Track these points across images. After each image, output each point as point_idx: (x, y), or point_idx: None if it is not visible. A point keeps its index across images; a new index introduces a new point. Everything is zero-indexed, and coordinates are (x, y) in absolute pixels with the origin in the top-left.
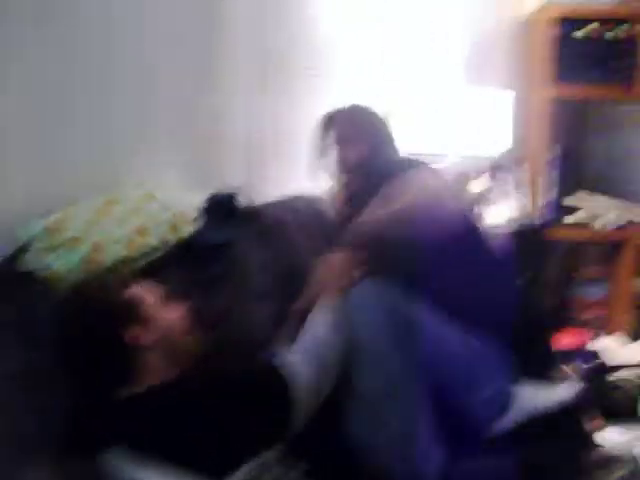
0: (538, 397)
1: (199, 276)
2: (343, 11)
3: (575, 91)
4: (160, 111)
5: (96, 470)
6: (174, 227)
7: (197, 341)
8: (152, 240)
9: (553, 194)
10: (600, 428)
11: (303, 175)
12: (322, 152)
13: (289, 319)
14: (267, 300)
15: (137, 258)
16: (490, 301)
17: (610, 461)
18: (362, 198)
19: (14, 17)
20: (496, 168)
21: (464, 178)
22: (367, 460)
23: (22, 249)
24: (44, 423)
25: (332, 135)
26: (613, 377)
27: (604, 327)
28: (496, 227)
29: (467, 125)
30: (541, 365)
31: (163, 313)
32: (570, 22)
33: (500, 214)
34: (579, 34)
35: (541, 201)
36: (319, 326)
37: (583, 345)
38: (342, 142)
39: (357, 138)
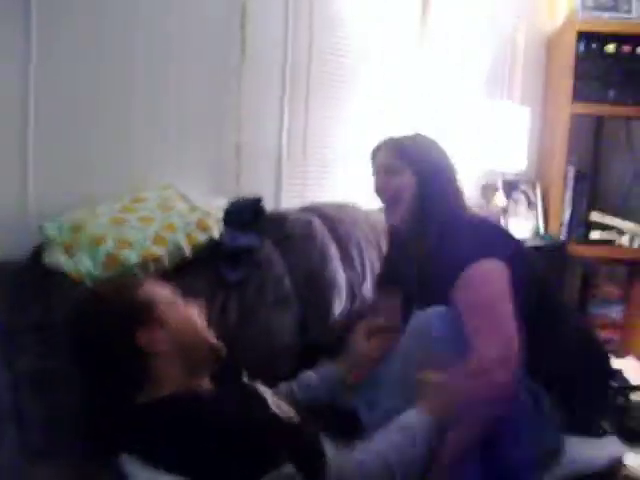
0: (587, 452)
1: (223, 278)
2: (368, 17)
3: (597, 108)
4: (186, 114)
5: (109, 474)
6: (202, 226)
7: (215, 348)
8: (180, 238)
9: (569, 212)
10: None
11: (331, 183)
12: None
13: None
14: (289, 307)
15: (164, 256)
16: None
17: None
18: (402, 234)
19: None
20: (512, 184)
21: (491, 191)
22: None
23: (44, 247)
24: (59, 424)
25: (376, 162)
26: (634, 398)
27: (622, 347)
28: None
29: (485, 140)
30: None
31: (179, 317)
32: (596, 38)
33: (517, 230)
34: (609, 49)
35: (557, 218)
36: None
37: None
38: (385, 168)
39: (404, 166)
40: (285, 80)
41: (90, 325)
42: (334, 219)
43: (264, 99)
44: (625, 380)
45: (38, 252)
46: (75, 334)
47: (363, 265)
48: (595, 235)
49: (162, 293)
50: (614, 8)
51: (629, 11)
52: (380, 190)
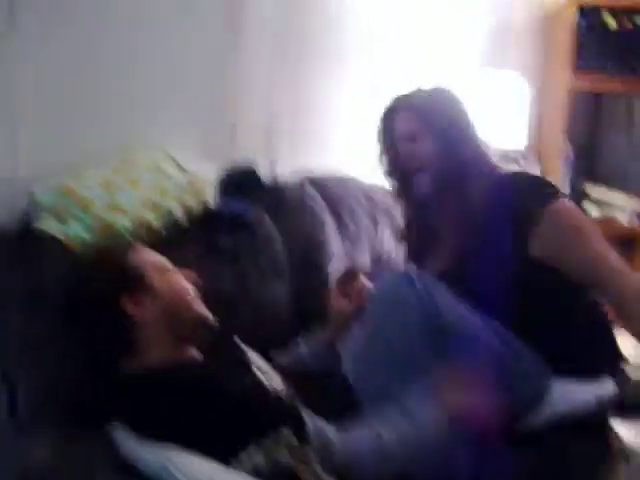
0: (575, 392)
1: (217, 246)
2: None
3: (597, 82)
4: (179, 80)
5: (98, 441)
6: (194, 190)
7: (205, 318)
8: (172, 204)
9: (566, 188)
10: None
11: (324, 151)
12: (385, 149)
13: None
14: (283, 275)
15: (157, 221)
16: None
17: (629, 453)
18: (434, 203)
19: None
20: (511, 159)
21: None
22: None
23: (34, 213)
24: (48, 391)
25: (395, 128)
26: (631, 373)
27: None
28: None
29: (482, 112)
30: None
31: (168, 285)
32: (596, 10)
33: None
34: (610, 22)
35: None
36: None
37: None
38: (407, 136)
39: (424, 131)
40: (279, 47)
41: (77, 290)
42: (329, 189)
43: (258, 66)
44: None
45: (28, 218)
46: (63, 299)
47: (359, 235)
48: (593, 211)
49: (152, 260)
50: None
51: None
52: (404, 159)
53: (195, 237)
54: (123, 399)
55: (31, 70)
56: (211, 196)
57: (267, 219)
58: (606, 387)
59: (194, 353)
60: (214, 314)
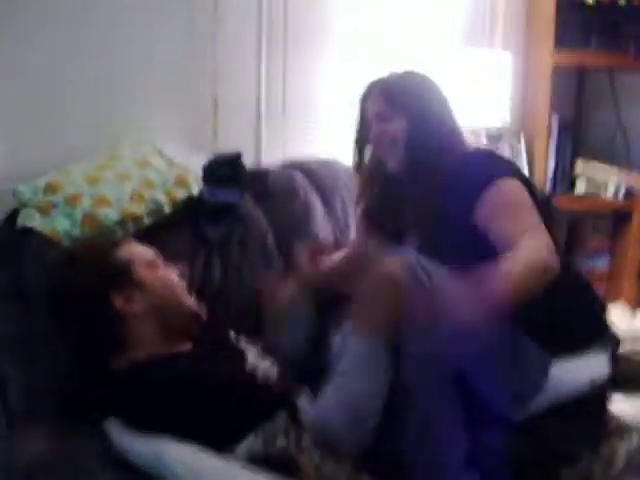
0: (571, 374)
1: (205, 236)
2: None
3: (580, 57)
4: (161, 72)
5: (92, 438)
6: (181, 182)
7: (195, 312)
8: (159, 194)
9: (553, 163)
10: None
11: (308, 138)
12: (361, 129)
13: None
14: (272, 262)
15: (144, 214)
16: None
17: (624, 430)
18: (404, 181)
19: None
20: (495, 137)
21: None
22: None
23: (21, 210)
24: (39, 389)
25: (368, 110)
26: (622, 347)
27: (609, 298)
28: None
29: (465, 90)
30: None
31: (157, 279)
32: None
33: None
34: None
35: (542, 171)
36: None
37: None
38: (378, 116)
39: (395, 111)
40: (261, 32)
41: (66, 286)
42: (316, 174)
43: (240, 52)
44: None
45: (13, 215)
46: (51, 296)
47: (347, 219)
48: (580, 187)
49: (141, 254)
50: None
51: None
52: (375, 137)
53: (183, 228)
54: (116, 394)
55: (14, 69)
56: (198, 187)
57: (254, 206)
58: (600, 366)
59: (186, 345)
60: (205, 304)
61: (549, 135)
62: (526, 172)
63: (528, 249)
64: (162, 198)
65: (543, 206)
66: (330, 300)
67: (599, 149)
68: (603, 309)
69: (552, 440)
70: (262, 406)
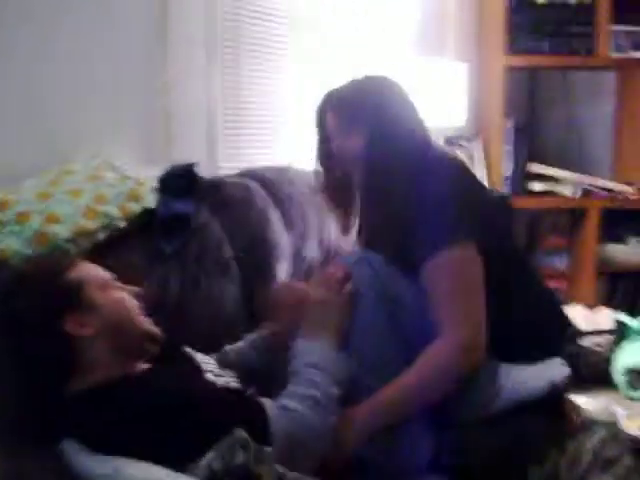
0: (530, 377)
1: (161, 250)
2: None
3: (532, 60)
4: (111, 85)
5: (47, 462)
6: (134, 196)
7: (151, 333)
8: (112, 209)
9: (509, 165)
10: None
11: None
12: (320, 144)
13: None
14: (230, 274)
15: (97, 229)
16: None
17: (590, 424)
18: (365, 199)
19: None
20: (452, 140)
21: None
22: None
23: None
24: None
25: (327, 126)
26: (585, 343)
27: (568, 296)
28: None
29: (421, 98)
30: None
31: (107, 299)
32: None
33: None
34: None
35: (499, 172)
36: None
37: None
38: (336, 131)
39: (352, 126)
40: (214, 42)
41: (14, 308)
42: (272, 182)
43: (191, 62)
44: (574, 327)
45: None
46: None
47: (306, 227)
48: (536, 187)
49: (93, 275)
50: None
51: None
52: (337, 155)
53: (138, 241)
54: (72, 417)
55: None
56: (153, 200)
57: (210, 217)
58: (559, 369)
59: (142, 367)
60: (162, 319)
61: (504, 137)
62: (484, 174)
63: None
64: (115, 212)
65: (501, 207)
66: None
67: (554, 149)
68: (561, 310)
69: (518, 439)
70: (223, 420)
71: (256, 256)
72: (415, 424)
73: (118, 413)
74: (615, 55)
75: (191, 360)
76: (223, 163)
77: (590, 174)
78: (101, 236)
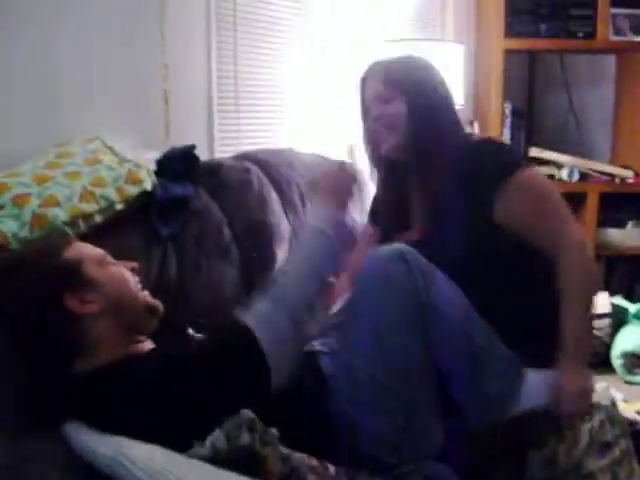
0: (541, 384)
1: (160, 232)
2: None
3: (531, 43)
4: (110, 67)
5: (51, 445)
6: (133, 179)
7: (151, 306)
8: (110, 192)
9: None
10: None
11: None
12: (362, 116)
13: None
14: (230, 257)
15: (95, 212)
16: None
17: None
18: (405, 169)
19: None
20: None
21: None
22: (356, 434)
23: None
24: None
25: (368, 93)
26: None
27: None
28: None
29: None
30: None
31: (109, 277)
32: None
33: None
34: None
35: None
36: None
37: None
38: (377, 98)
39: (395, 93)
40: (211, 24)
41: (16, 290)
42: (271, 164)
43: (190, 45)
44: None
45: None
46: (1, 303)
47: (305, 209)
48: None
49: (90, 253)
50: None
51: None
52: (374, 120)
53: (136, 224)
54: (78, 398)
55: None
56: (151, 182)
57: (209, 199)
58: None
59: (147, 344)
60: (162, 301)
61: (502, 120)
62: None
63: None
64: (114, 195)
65: None
66: None
67: (553, 133)
68: None
69: (520, 426)
70: (227, 400)
71: (256, 239)
72: (427, 412)
73: (123, 393)
74: (615, 38)
75: (193, 341)
76: (222, 147)
77: (589, 158)
78: (99, 219)
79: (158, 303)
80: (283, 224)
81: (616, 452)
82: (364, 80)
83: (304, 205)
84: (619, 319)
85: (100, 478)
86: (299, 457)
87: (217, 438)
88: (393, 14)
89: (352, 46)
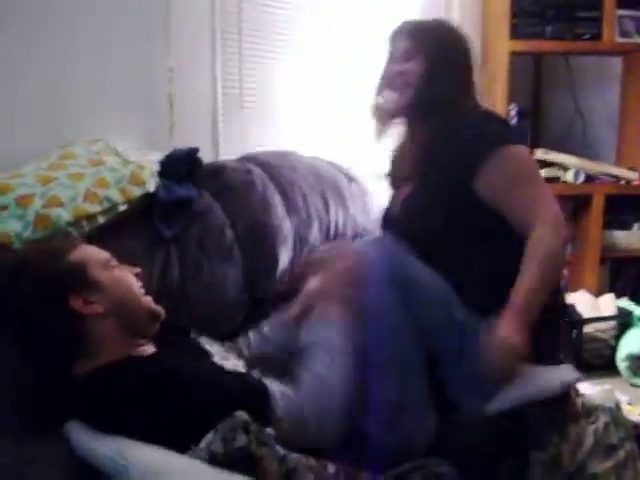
0: (539, 379)
1: (163, 234)
2: None
3: (536, 45)
4: (116, 69)
5: (52, 446)
6: (136, 180)
7: (153, 311)
8: (113, 193)
9: None
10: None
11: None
12: (384, 70)
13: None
14: (233, 259)
15: (98, 213)
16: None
17: (592, 410)
18: (413, 125)
19: None
20: None
21: None
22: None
23: None
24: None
25: (393, 48)
26: (589, 330)
27: (573, 282)
28: None
29: None
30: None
31: (111, 277)
32: None
33: None
34: None
35: None
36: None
37: None
38: (400, 55)
39: (418, 51)
40: (215, 27)
41: (20, 292)
42: (274, 166)
43: (194, 48)
44: (578, 314)
45: None
46: (4, 302)
47: (308, 211)
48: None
49: (95, 256)
50: None
51: None
52: (393, 74)
53: (139, 226)
54: (80, 399)
55: None
56: (154, 184)
57: (212, 201)
58: (570, 373)
59: (149, 348)
60: (164, 303)
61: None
62: None
63: (546, 234)
64: (117, 196)
65: None
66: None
67: (558, 135)
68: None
69: (521, 425)
70: (226, 402)
71: (259, 241)
72: (420, 405)
73: (124, 394)
74: (621, 40)
75: (197, 344)
76: (226, 149)
77: (594, 160)
78: (102, 220)
79: (161, 309)
80: (286, 226)
81: (621, 454)
82: (393, 36)
83: (307, 207)
84: (624, 322)
85: (101, 478)
86: (296, 457)
87: (213, 441)
88: (397, 15)
89: (356, 49)
